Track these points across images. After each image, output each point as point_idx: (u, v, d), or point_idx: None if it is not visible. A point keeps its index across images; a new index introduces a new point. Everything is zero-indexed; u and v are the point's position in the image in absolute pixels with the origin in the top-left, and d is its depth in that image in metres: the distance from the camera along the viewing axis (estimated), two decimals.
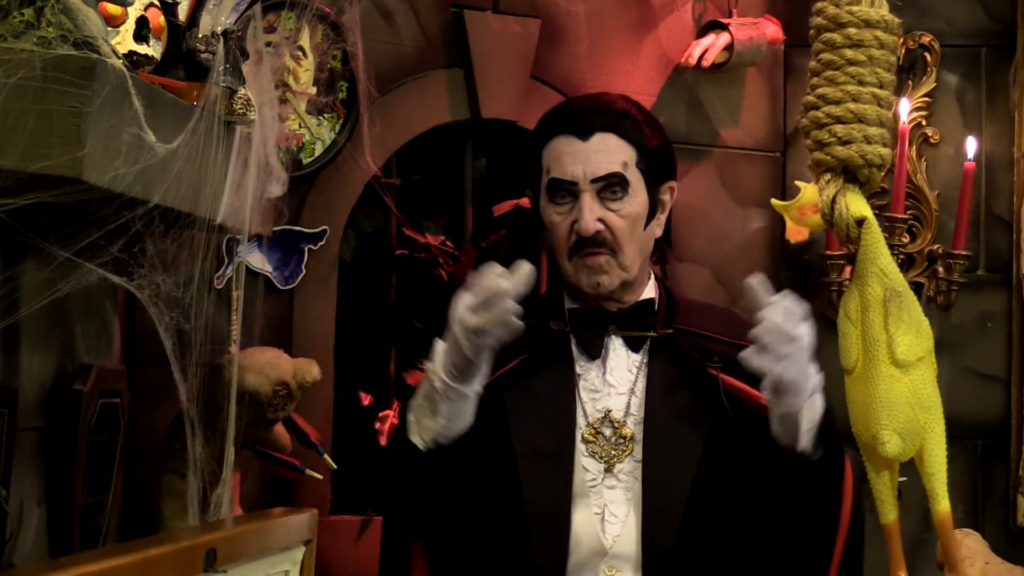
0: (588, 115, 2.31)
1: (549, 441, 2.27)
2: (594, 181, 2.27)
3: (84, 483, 2.28)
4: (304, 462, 2.73)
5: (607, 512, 2.26)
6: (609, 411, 2.31)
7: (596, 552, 2.25)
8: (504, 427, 2.26)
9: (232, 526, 2.05)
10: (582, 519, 2.25)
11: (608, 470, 2.28)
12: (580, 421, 2.30)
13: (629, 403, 2.31)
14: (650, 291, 2.39)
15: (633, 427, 2.29)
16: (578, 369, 2.33)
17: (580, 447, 2.28)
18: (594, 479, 2.28)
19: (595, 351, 2.33)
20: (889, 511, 2.75)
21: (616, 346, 2.35)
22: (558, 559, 2.24)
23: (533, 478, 2.26)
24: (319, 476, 2.77)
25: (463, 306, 2.13)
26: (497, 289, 2.10)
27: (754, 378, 2.23)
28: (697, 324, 2.39)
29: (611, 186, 2.27)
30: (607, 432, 2.30)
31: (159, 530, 2.47)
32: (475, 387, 2.17)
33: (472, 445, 2.22)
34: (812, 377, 2.18)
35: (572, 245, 2.29)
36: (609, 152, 2.28)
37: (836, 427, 2.26)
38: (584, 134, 2.29)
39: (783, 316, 2.14)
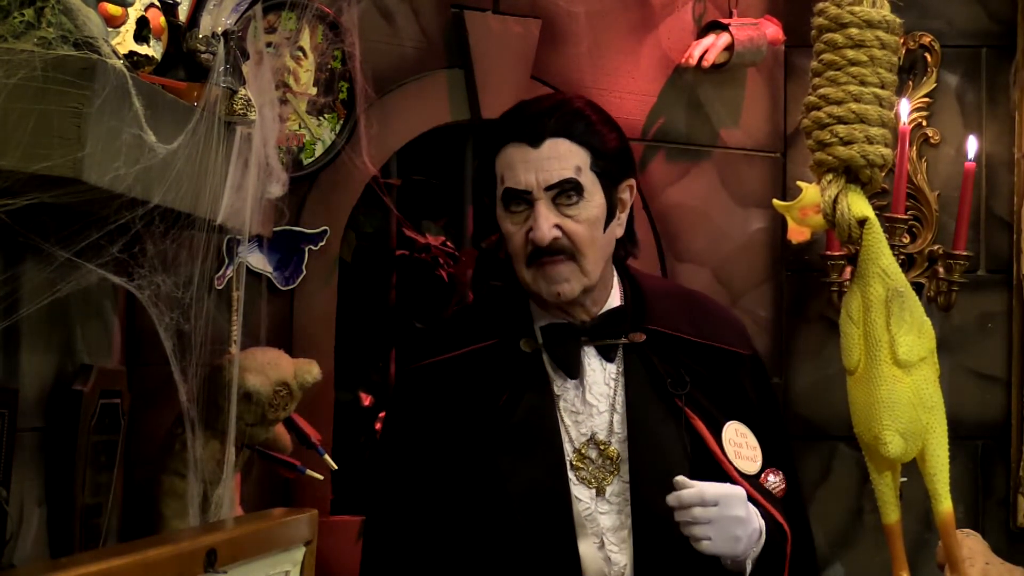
0: (539, 120, 2.25)
1: (541, 478, 2.23)
2: (548, 189, 2.22)
3: (84, 483, 2.27)
4: (305, 462, 2.73)
5: (606, 540, 2.24)
6: (594, 433, 2.27)
7: None
8: (498, 476, 2.22)
9: (232, 527, 2.05)
10: (584, 552, 2.22)
11: (599, 494, 2.25)
12: (567, 447, 2.26)
13: (611, 421, 2.28)
14: (616, 295, 2.35)
15: (618, 446, 2.27)
16: (556, 389, 2.29)
17: (570, 476, 2.25)
18: (587, 507, 2.25)
19: (574, 371, 2.29)
20: (891, 512, 2.75)
21: (590, 359, 2.31)
22: None
23: (532, 517, 2.22)
24: (319, 476, 2.76)
25: None
26: None
27: (716, 416, 2.29)
28: (669, 323, 2.36)
29: (565, 192, 2.22)
30: (593, 455, 2.26)
31: (159, 531, 2.46)
32: None
33: (472, 504, 2.21)
34: (743, 540, 2.20)
35: (529, 254, 2.24)
36: (561, 158, 2.23)
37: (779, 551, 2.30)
38: (535, 140, 2.23)
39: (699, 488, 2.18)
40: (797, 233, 2.81)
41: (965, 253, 3.45)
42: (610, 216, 2.28)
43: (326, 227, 3.05)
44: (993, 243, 3.62)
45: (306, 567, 2.07)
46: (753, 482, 2.29)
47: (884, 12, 2.61)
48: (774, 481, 2.34)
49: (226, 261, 2.80)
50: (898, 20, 2.64)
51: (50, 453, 2.20)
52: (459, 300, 3.32)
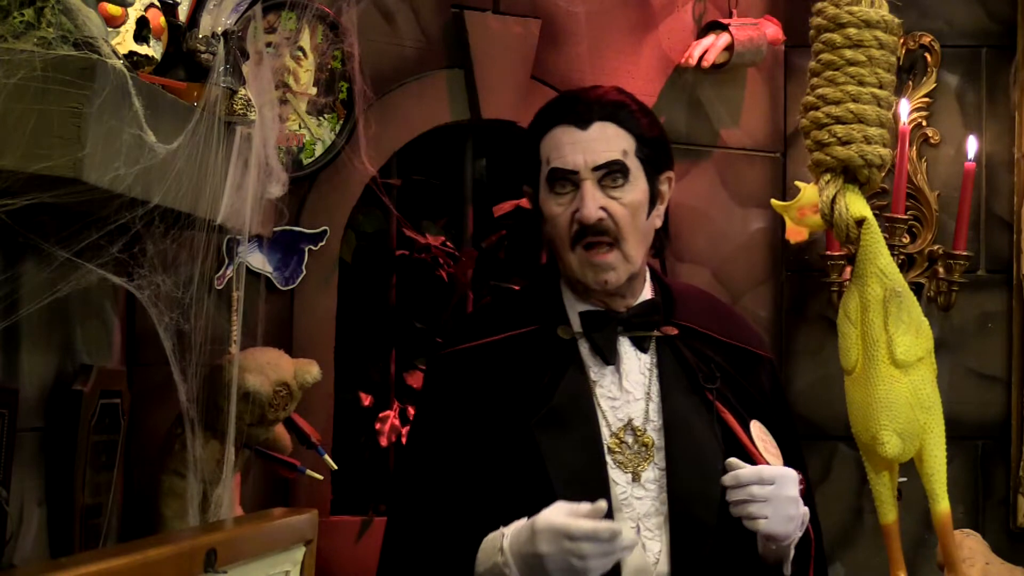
0: (586, 104, 2.30)
1: (580, 459, 2.24)
2: (595, 169, 2.26)
3: (84, 484, 2.28)
4: (304, 462, 2.73)
5: (642, 527, 2.24)
6: (631, 419, 2.29)
7: (640, 571, 2.23)
8: (537, 456, 2.22)
9: (232, 527, 2.05)
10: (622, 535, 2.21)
11: (635, 479, 2.26)
12: (604, 431, 2.27)
13: (647, 409, 2.30)
14: (648, 288, 2.38)
15: (653, 433, 2.28)
16: (592, 376, 2.31)
17: (607, 459, 2.25)
18: (624, 491, 2.25)
19: (611, 357, 2.32)
20: (889, 512, 2.75)
21: (626, 348, 2.34)
22: None
23: (572, 499, 2.17)
24: (319, 476, 2.77)
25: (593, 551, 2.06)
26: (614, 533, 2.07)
27: (742, 413, 2.30)
28: (697, 320, 2.40)
29: (612, 174, 2.26)
30: (629, 440, 2.28)
31: (159, 531, 2.47)
32: None
33: (512, 484, 2.20)
34: (795, 520, 2.22)
35: (574, 234, 2.27)
36: (609, 140, 2.28)
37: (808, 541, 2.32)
38: (583, 123, 2.28)
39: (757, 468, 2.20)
40: (795, 233, 2.82)
41: (965, 253, 3.45)
42: (651, 205, 2.33)
43: (326, 227, 3.05)
44: (993, 243, 3.62)
45: (306, 567, 2.07)
46: None
47: (882, 12, 2.61)
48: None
49: (226, 261, 2.80)
50: (896, 20, 2.64)
51: (50, 453, 2.20)
52: (459, 300, 3.33)
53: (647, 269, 2.40)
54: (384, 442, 3.17)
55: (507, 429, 2.25)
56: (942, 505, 2.71)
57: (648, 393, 2.31)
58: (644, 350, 2.34)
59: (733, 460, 2.19)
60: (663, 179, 2.36)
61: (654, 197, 2.33)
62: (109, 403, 2.37)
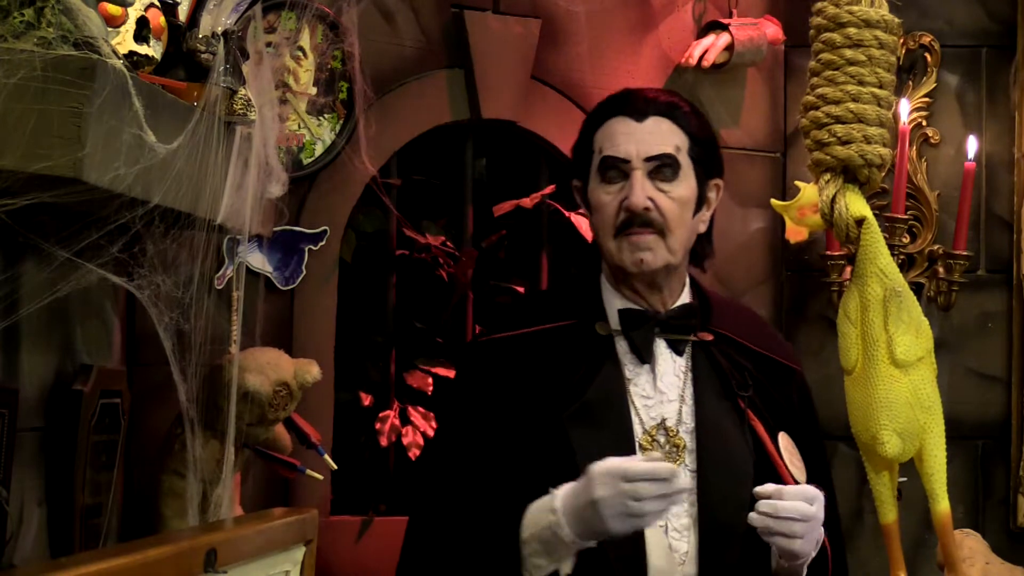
0: (644, 100, 2.34)
1: (610, 453, 2.20)
2: (647, 160, 2.28)
3: (84, 483, 2.28)
4: (304, 462, 2.73)
5: (669, 526, 2.24)
6: (664, 419, 2.29)
7: (666, 570, 2.23)
8: (568, 448, 2.22)
9: (232, 526, 2.05)
10: (650, 535, 2.21)
11: None
12: (636, 429, 2.28)
13: (680, 411, 2.30)
14: (687, 293, 2.39)
15: (685, 435, 2.29)
16: (627, 374, 2.31)
17: (639, 456, 2.24)
18: None
19: (647, 356, 2.32)
20: (888, 511, 2.75)
21: (661, 349, 2.34)
22: None
23: None
24: (319, 476, 2.77)
25: (651, 491, 2.06)
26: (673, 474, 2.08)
27: (771, 423, 2.31)
28: (732, 328, 2.41)
29: (663, 167, 2.28)
30: (661, 439, 2.28)
31: (159, 530, 2.47)
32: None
33: (541, 474, 2.20)
34: (817, 544, 2.23)
35: (620, 223, 2.28)
36: (663, 134, 2.30)
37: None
38: (639, 116, 2.31)
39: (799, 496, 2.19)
40: (795, 233, 2.82)
41: (965, 253, 3.45)
42: (697, 207, 2.34)
43: (326, 227, 3.06)
44: (993, 243, 3.62)
45: (306, 567, 2.07)
46: None
47: (882, 12, 2.61)
48: None
49: (226, 261, 2.80)
50: (896, 20, 2.64)
51: (50, 453, 2.21)
52: (459, 300, 3.33)
53: (687, 274, 2.41)
54: (384, 442, 3.16)
55: (539, 420, 2.25)
56: (942, 505, 2.71)
57: (682, 395, 2.31)
58: (679, 353, 2.34)
59: (759, 489, 2.18)
60: (712, 185, 2.37)
61: (701, 200, 2.34)
62: (109, 403, 2.37)
